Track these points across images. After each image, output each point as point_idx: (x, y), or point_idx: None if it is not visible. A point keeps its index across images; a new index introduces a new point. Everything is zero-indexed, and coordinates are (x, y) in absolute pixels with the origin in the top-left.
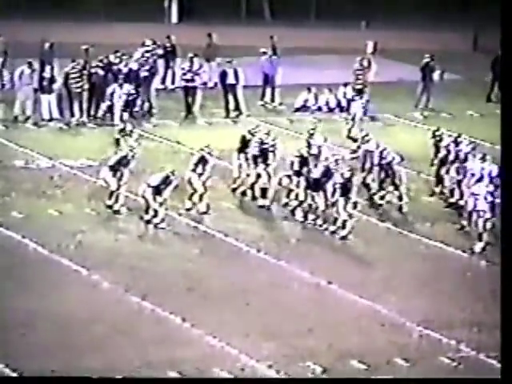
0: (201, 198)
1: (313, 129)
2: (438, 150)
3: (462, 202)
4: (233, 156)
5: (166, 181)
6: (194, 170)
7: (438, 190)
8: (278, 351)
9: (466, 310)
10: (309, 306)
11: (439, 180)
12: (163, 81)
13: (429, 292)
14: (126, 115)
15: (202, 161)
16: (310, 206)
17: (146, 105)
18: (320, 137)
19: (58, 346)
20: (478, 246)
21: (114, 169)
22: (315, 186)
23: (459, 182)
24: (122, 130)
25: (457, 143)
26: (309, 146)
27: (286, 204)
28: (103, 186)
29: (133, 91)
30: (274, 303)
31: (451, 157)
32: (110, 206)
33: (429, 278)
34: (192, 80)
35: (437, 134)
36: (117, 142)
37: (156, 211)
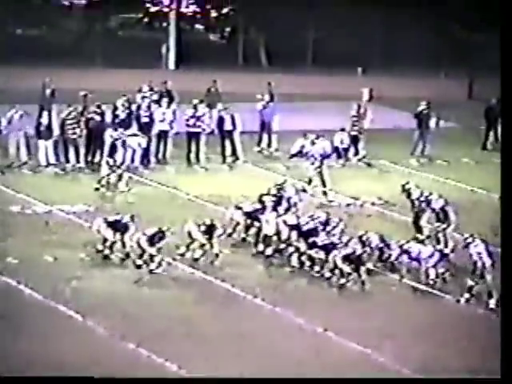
0: (202, 247)
1: (283, 182)
2: (412, 204)
3: (447, 250)
4: (230, 209)
5: (161, 234)
6: (198, 229)
7: (420, 236)
8: None
9: (465, 358)
10: (305, 353)
11: (418, 228)
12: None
13: (426, 340)
14: (111, 160)
15: (211, 229)
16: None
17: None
18: (291, 188)
19: None
20: (492, 302)
21: (111, 225)
22: (314, 245)
23: (444, 230)
24: (104, 177)
25: (428, 202)
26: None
27: (282, 250)
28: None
29: (122, 136)
30: (270, 350)
31: (424, 206)
32: (100, 251)
33: (426, 326)
34: (195, 126)
35: (406, 187)
36: (96, 190)
37: (152, 256)
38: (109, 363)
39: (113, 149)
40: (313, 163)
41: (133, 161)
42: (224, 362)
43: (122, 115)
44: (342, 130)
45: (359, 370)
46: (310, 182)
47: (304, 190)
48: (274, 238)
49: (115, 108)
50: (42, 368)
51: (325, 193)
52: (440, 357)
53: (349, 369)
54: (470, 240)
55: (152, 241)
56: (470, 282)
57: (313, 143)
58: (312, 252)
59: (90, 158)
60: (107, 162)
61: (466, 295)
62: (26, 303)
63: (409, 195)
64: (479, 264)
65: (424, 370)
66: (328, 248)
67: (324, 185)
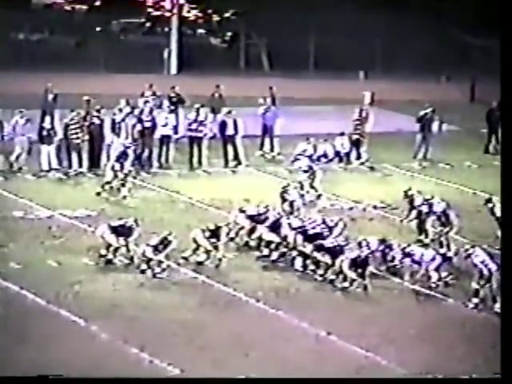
0: (208, 252)
1: (287, 185)
2: (415, 209)
3: (449, 254)
4: (233, 212)
5: (164, 241)
6: (203, 235)
7: (424, 239)
8: None
9: (467, 362)
10: (308, 356)
11: (422, 231)
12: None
13: (429, 343)
14: (117, 165)
15: (215, 235)
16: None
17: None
18: (294, 191)
19: None
20: (497, 306)
21: (115, 231)
22: (321, 248)
23: (447, 233)
24: (108, 183)
25: (430, 205)
26: (284, 201)
27: (285, 254)
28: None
29: (129, 142)
30: (273, 354)
31: (426, 210)
32: (103, 256)
33: (429, 329)
34: (197, 130)
35: (409, 193)
36: (98, 194)
37: (160, 262)
38: (111, 367)
39: (119, 154)
40: (306, 171)
41: (133, 164)
42: (227, 367)
43: (118, 119)
44: (342, 134)
45: (362, 373)
46: (301, 187)
47: (308, 192)
48: (278, 240)
49: (115, 112)
50: (44, 373)
51: (318, 197)
52: (442, 360)
53: (352, 373)
54: (470, 251)
55: (157, 249)
56: (475, 286)
57: (315, 147)
58: (319, 255)
59: (92, 163)
60: (112, 168)
61: (475, 300)
62: (28, 308)
63: (411, 201)
64: (485, 271)
65: (426, 374)
66: (334, 251)
67: (316, 190)
